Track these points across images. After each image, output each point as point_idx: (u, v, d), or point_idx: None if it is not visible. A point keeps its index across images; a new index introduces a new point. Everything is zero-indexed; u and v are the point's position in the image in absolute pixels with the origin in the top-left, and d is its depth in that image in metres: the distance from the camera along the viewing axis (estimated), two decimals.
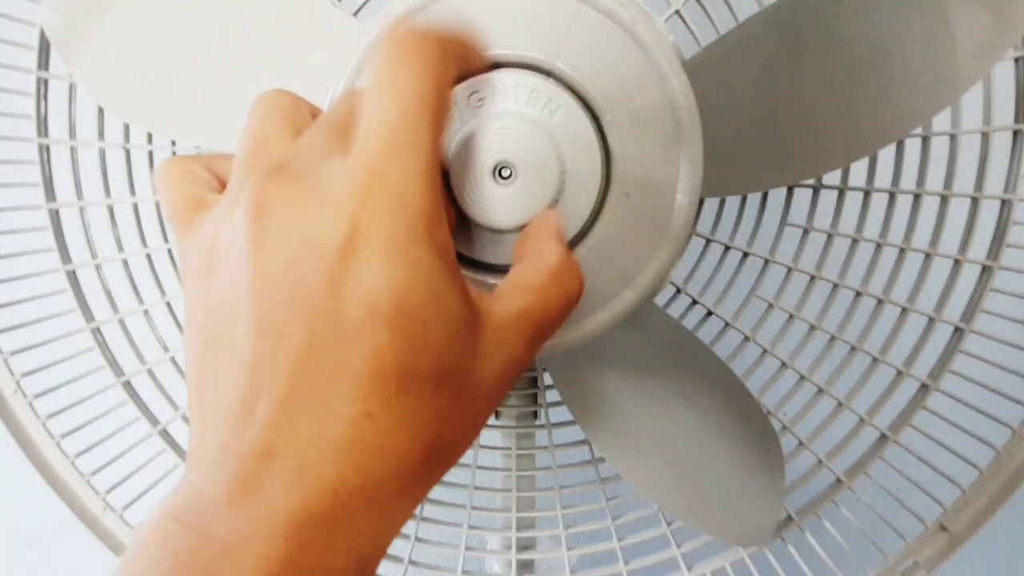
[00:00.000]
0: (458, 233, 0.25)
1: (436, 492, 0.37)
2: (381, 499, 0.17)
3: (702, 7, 0.32)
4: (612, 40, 0.24)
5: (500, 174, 0.24)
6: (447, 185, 0.24)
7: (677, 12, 0.32)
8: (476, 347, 0.19)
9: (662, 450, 0.32)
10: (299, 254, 0.17)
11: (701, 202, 0.29)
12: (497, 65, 0.24)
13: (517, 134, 0.24)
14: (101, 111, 0.34)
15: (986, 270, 0.32)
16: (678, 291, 0.35)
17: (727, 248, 0.34)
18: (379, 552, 0.18)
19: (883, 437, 0.34)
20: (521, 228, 0.25)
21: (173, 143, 0.35)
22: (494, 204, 0.24)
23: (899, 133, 0.28)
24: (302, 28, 0.27)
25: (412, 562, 0.37)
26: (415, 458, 0.18)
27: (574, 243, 0.25)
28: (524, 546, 0.37)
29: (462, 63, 0.21)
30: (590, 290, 0.25)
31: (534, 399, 0.37)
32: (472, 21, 0.23)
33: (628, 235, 0.25)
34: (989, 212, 0.32)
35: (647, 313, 0.31)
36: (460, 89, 0.24)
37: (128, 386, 0.35)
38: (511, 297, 0.21)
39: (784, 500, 0.33)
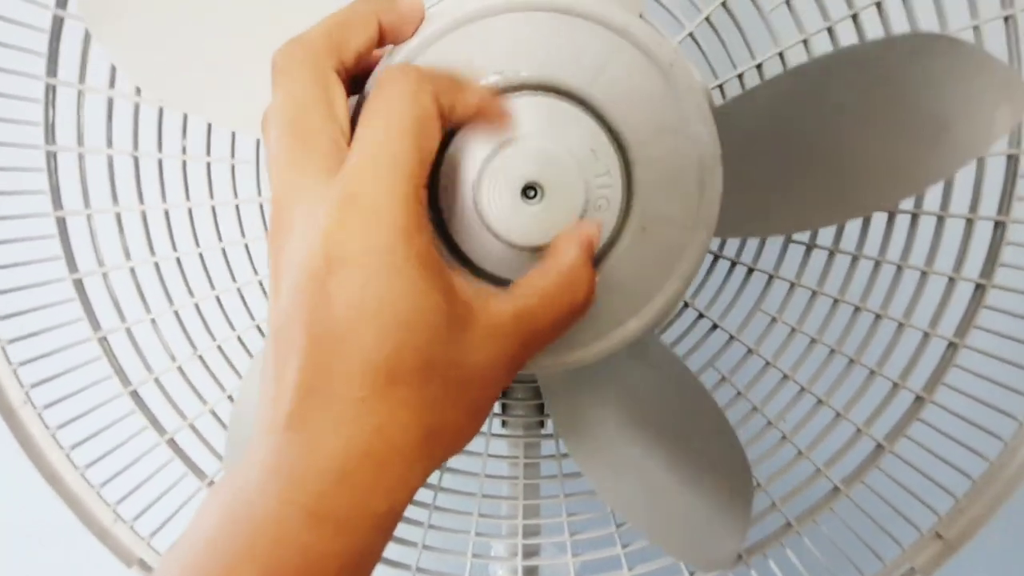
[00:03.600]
0: (482, 249, 0.25)
1: (443, 499, 0.38)
2: (386, 469, 0.20)
3: (713, 29, 0.33)
4: (648, 78, 0.25)
5: (526, 193, 0.25)
6: (475, 202, 0.25)
7: (691, 35, 0.33)
8: (466, 341, 0.21)
9: (639, 474, 0.33)
10: (297, 277, 0.20)
11: None
12: (535, 87, 0.25)
13: (547, 156, 0.24)
14: (109, 118, 0.34)
15: (979, 288, 0.34)
16: (686, 305, 0.36)
17: (734, 264, 0.35)
18: (392, 513, 0.21)
19: (879, 447, 0.35)
20: (539, 248, 0.25)
21: (184, 150, 0.35)
22: (518, 221, 0.25)
23: (903, 194, 0.31)
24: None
25: (420, 569, 0.37)
26: (414, 438, 0.20)
27: None
28: (529, 553, 0.38)
29: (448, 93, 0.22)
30: (596, 315, 0.26)
31: (541, 409, 0.38)
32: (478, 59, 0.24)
33: (640, 267, 0.26)
34: (983, 232, 0.33)
35: (648, 343, 0.32)
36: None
37: (135, 395, 0.35)
38: (513, 296, 0.22)
39: (747, 534, 0.34)
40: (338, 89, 0.22)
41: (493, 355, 0.21)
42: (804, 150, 0.29)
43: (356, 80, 0.24)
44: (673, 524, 0.34)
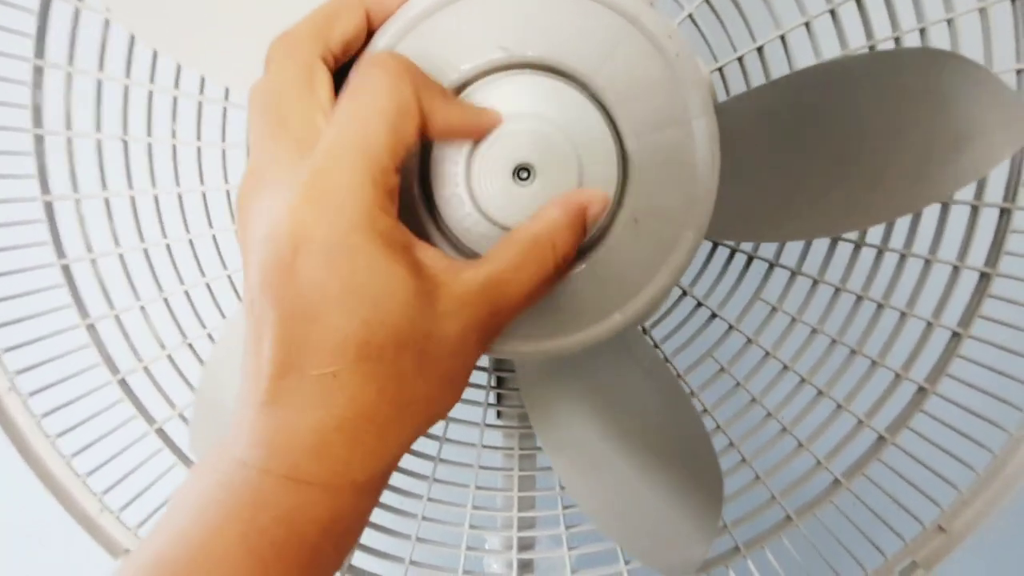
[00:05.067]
0: (472, 230, 0.25)
1: (437, 491, 0.37)
2: (360, 441, 0.21)
3: (713, 11, 0.32)
4: (653, 68, 0.24)
5: (519, 175, 0.24)
6: (466, 181, 0.24)
7: (690, 16, 0.32)
8: (436, 312, 0.21)
9: (607, 473, 0.33)
10: (265, 253, 0.21)
11: None
12: (537, 67, 0.24)
13: (542, 138, 0.24)
14: (98, 101, 0.34)
15: (984, 277, 0.33)
16: (684, 293, 0.35)
17: (733, 251, 0.35)
18: (372, 482, 0.22)
19: (881, 439, 0.34)
20: None
21: (173, 134, 0.35)
22: (510, 203, 0.24)
23: (892, 213, 0.31)
24: None
25: (413, 562, 0.36)
26: (387, 410, 0.21)
27: (575, 257, 0.25)
28: (525, 546, 0.38)
29: (429, 95, 0.22)
30: (580, 305, 0.25)
31: None
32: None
33: (629, 259, 0.25)
34: (988, 220, 0.33)
35: (631, 341, 0.32)
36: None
37: (123, 384, 0.35)
38: (483, 263, 0.23)
39: (711, 544, 0.33)
40: (322, 73, 0.23)
41: (463, 324, 0.22)
42: (813, 154, 0.29)
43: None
44: (637, 526, 0.33)
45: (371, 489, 0.22)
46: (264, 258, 0.21)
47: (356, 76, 0.22)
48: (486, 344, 0.23)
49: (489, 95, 0.24)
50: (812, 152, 0.29)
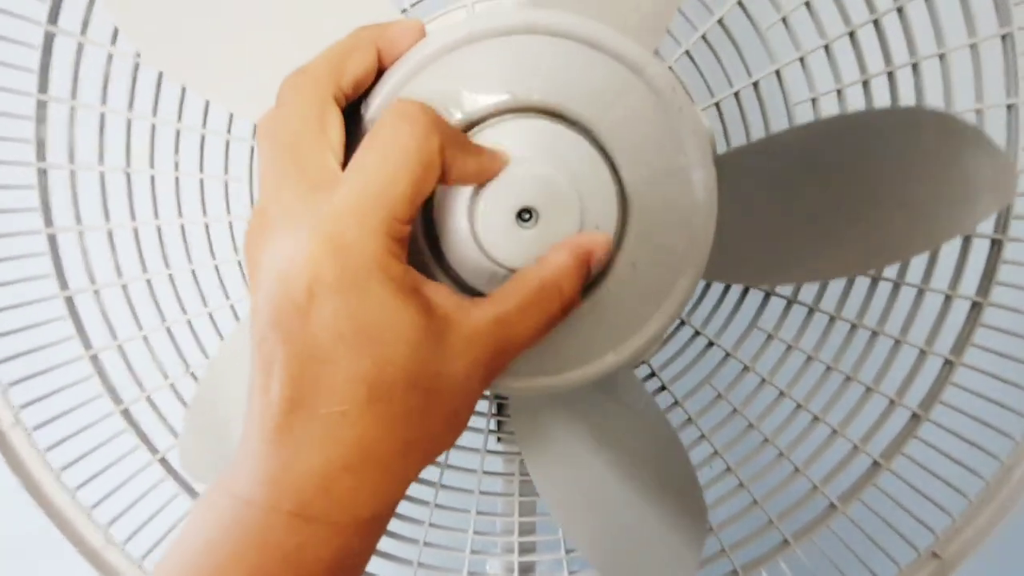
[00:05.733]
0: (475, 270, 0.25)
1: (438, 517, 0.37)
2: (366, 480, 0.22)
3: (710, 47, 0.33)
4: (655, 119, 0.25)
5: (521, 216, 0.25)
6: (470, 222, 0.24)
7: (687, 52, 0.33)
8: (443, 351, 0.22)
9: (594, 505, 0.33)
10: (277, 293, 0.21)
11: None
12: (542, 111, 0.25)
13: (546, 182, 0.24)
14: (101, 134, 0.34)
15: (976, 306, 0.34)
16: (682, 322, 0.36)
17: None
18: (376, 518, 0.23)
19: (876, 464, 0.35)
20: None
21: (176, 166, 0.35)
22: (512, 244, 0.25)
23: (885, 262, 0.32)
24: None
25: None
26: (393, 447, 0.22)
27: None
28: (525, 570, 0.38)
29: (452, 148, 0.23)
30: (575, 345, 0.26)
31: None
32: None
33: (625, 302, 0.26)
34: (980, 251, 0.33)
35: (621, 379, 0.32)
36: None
37: (127, 414, 0.35)
38: (492, 303, 0.23)
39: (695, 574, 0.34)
40: (334, 113, 0.23)
41: (470, 362, 0.22)
42: (808, 206, 0.30)
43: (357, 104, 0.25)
44: (621, 559, 0.34)
45: (375, 525, 0.23)
46: (277, 298, 0.21)
47: (385, 123, 0.22)
48: (487, 383, 0.24)
49: (495, 137, 0.25)
50: (807, 204, 0.30)
